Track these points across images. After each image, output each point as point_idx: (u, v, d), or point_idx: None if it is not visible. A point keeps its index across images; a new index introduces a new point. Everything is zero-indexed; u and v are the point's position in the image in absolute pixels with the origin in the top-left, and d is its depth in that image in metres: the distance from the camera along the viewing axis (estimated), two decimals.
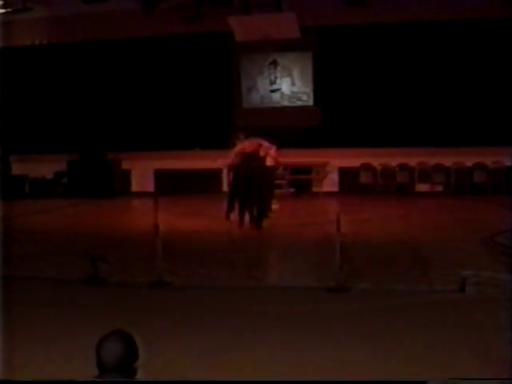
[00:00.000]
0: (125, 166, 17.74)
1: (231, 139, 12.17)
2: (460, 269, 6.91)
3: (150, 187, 17.18)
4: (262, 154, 11.18)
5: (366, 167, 16.67)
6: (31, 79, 17.88)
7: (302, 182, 16.79)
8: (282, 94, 17.48)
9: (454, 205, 14.11)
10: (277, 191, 13.28)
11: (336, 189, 16.63)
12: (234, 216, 11.49)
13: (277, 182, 13.74)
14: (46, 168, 17.68)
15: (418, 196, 15.87)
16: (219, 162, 12.39)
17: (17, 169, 18.16)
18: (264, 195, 11.15)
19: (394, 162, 16.59)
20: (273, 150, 11.44)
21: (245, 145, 11.38)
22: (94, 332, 3.08)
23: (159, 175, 17.50)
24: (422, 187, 16.44)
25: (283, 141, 13.00)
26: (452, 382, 3.41)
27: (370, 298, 6.34)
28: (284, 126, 16.23)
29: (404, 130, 15.82)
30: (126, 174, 17.87)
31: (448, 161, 16.22)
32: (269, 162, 11.39)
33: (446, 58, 15.84)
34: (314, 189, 16.88)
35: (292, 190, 16.45)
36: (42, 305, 6.26)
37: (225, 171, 14.47)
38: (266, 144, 11.34)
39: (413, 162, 16.47)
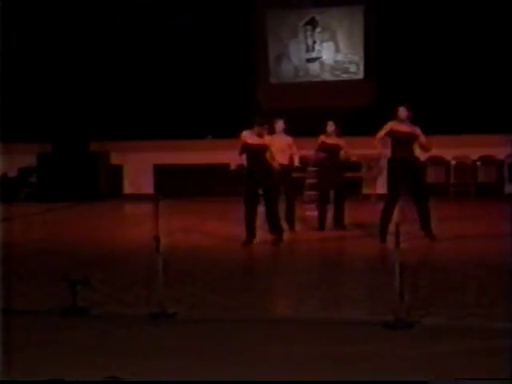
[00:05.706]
0: (114, 159, 17.87)
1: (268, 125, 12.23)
2: None
3: (149, 188, 17.29)
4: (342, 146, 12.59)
5: (435, 161, 16.59)
6: None
7: (349, 182, 16.72)
8: (323, 65, 17.49)
9: None
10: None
11: None
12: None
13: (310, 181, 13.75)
14: (7, 162, 17.84)
15: (508, 200, 15.73)
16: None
17: None
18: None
19: (473, 154, 16.49)
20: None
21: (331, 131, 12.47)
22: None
23: (160, 172, 17.59)
24: None
25: (323, 126, 12.98)
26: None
27: (440, 338, 6.30)
28: (324, 107, 16.21)
29: (489, 112, 15.68)
30: (117, 171, 18.00)
31: None
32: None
33: None
34: (365, 190, 16.83)
35: None
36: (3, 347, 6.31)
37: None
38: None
39: (501, 154, 16.35)
